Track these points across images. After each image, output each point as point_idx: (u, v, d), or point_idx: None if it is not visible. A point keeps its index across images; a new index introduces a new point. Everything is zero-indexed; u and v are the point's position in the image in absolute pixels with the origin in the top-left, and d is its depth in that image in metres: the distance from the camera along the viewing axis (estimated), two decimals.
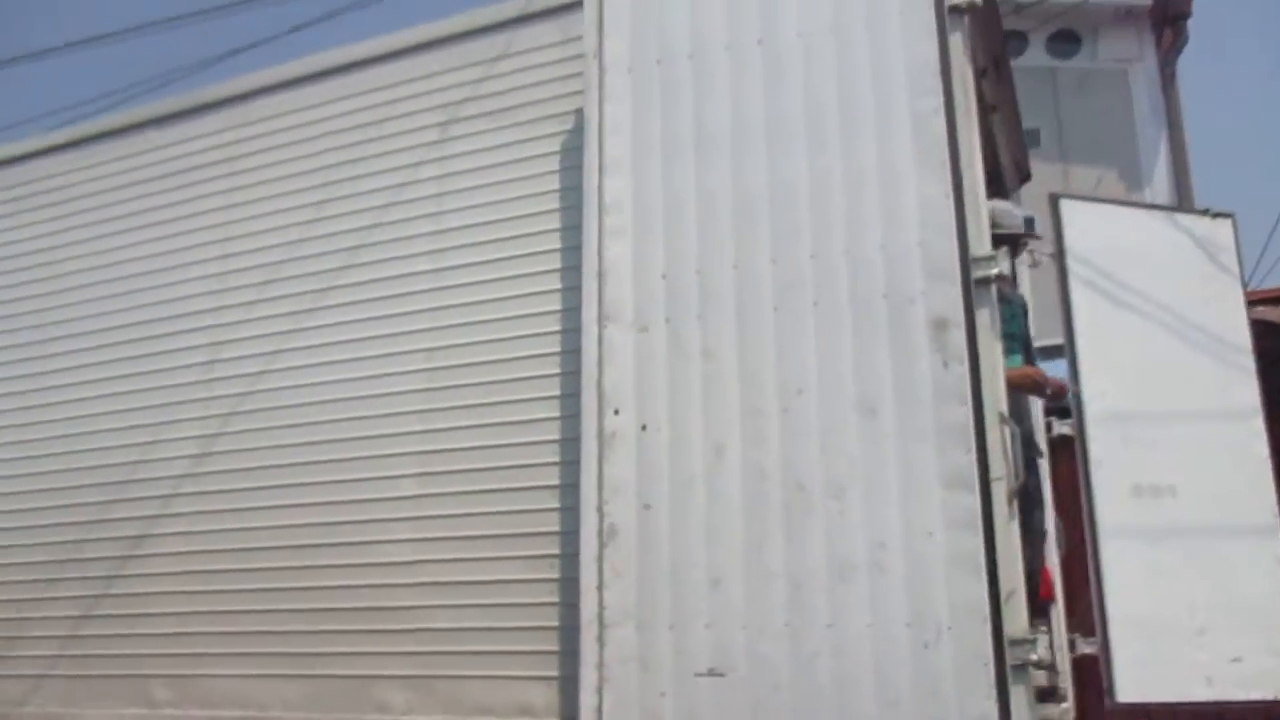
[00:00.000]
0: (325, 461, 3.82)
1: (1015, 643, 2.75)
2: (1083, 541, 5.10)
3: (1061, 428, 5.12)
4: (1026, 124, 9.46)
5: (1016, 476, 2.91)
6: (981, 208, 3.12)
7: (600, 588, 3.11)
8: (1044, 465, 4.45)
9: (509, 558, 3.42)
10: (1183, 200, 8.69)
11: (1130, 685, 4.95)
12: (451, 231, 3.84)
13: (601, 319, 3.31)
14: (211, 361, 4.19)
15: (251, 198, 4.35)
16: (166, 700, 3.88)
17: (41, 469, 4.41)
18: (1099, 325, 5.29)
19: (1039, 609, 4.85)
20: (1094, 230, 5.41)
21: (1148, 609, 5.15)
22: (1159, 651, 5.16)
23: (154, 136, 4.59)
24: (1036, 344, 5.48)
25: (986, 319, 3.01)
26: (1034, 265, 5.27)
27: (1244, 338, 5.46)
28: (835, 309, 3.07)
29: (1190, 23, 8.86)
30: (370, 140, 4.12)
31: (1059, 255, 5.29)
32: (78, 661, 4.09)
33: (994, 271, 3.00)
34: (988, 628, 2.72)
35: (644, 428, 3.19)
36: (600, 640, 3.08)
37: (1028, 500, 3.81)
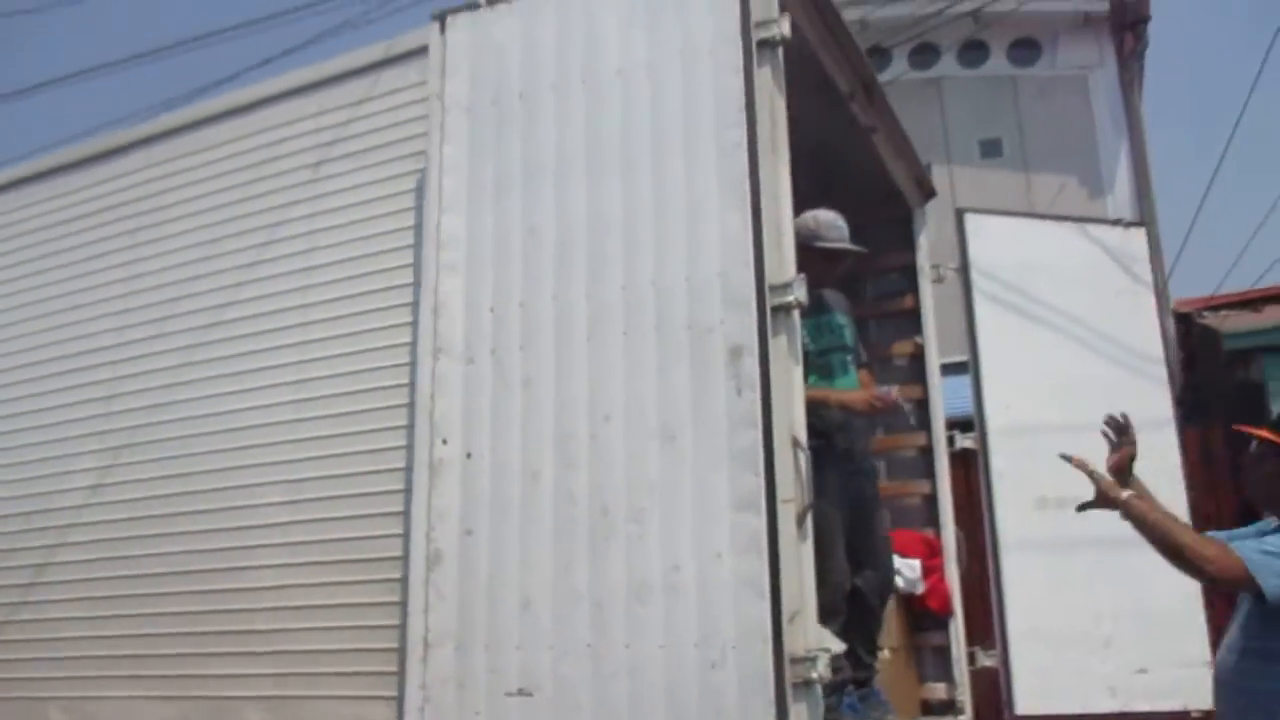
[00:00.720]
0: (202, 491, 3.99)
1: (796, 661, 2.83)
2: (984, 554, 5.16)
3: (964, 440, 5.15)
4: (988, 133, 9.53)
5: (807, 498, 2.98)
6: (785, 236, 3.21)
7: (425, 610, 3.24)
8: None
9: (357, 582, 3.56)
10: (1144, 207, 8.64)
11: (1030, 697, 4.97)
12: (318, 269, 3.99)
13: (435, 352, 3.45)
14: (110, 396, 4.38)
15: (153, 237, 4.54)
16: None
17: None
18: (1004, 339, 5.34)
19: (934, 622, 4.92)
20: (1000, 244, 5.47)
21: (1051, 621, 5.16)
22: (1061, 663, 5.17)
23: (64, 182, 4.82)
24: (944, 360, 5.52)
25: (784, 345, 3.10)
26: (938, 280, 5.31)
27: (1157, 348, 5.48)
28: (642, 338, 3.18)
29: (1150, 27, 8.81)
30: (255, 181, 4.29)
31: (963, 270, 5.35)
32: None
33: (791, 298, 3.08)
34: (769, 647, 2.80)
35: (469, 456, 3.32)
36: (424, 661, 3.21)
37: (863, 512, 3.87)
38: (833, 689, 3.63)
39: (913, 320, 5.35)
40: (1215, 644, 5.75)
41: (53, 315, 4.71)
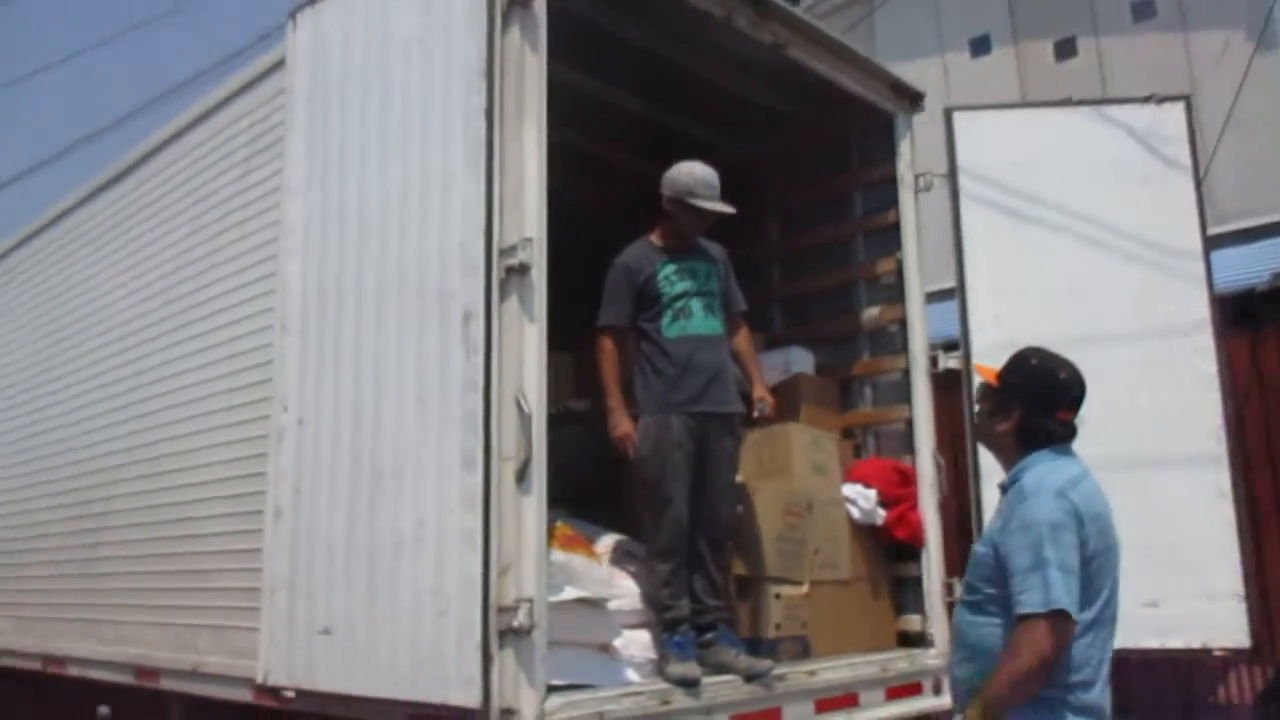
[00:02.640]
0: (116, 467, 4.83)
1: (504, 610, 2.98)
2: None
3: (948, 361, 4.81)
4: None
5: (527, 455, 3.07)
6: (528, 198, 3.25)
7: (271, 558, 3.70)
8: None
9: (244, 531, 4.01)
10: None
11: None
12: (211, 268, 4.47)
13: (281, 329, 3.85)
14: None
15: (106, 257, 5.39)
16: None
17: None
18: (997, 246, 4.93)
19: (911, 553, 4.70)
20: (996, 142, 5.04)
21: None
22: None
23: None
24: (936, 287, 5.13)
25: (516, 307, 3.18)
26: (925, 189, 4.94)
27: (1193, 241, 4.82)
28: (408, 308, 3.39)
29: None
30: (172, 202, 4.85)
31: (950, 174, 4.98)
32: None
33: (516, 260, 3.15)
34: (479, 597, 2.98)
35: (300, 422, 3.71)
36: (270, 602, 3.68)
37: (707, 458, 3.82)
38: (666, 626, 3.70)
39: (898, 235, 5.01)
40: (1259, 577, 5.04)
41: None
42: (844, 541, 4.59)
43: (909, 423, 4.85)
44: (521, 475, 3.09)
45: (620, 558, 4.07)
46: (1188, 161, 4.85)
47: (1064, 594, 2.45)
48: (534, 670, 3.02)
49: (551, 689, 3.14)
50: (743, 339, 4.17)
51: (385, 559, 3.30)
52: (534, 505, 3.11)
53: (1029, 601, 2.47)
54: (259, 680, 3.65)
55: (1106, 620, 2.68)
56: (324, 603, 3.49)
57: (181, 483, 4.40)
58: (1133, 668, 4.79)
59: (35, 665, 5.45)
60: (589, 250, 4.12)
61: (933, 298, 5.17)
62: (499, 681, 2.94)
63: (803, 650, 4.22)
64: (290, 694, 3.54)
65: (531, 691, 3.00)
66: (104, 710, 5.07)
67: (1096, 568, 2.62)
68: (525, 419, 3.10)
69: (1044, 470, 2.67)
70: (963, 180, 4.92)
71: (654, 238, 4.03)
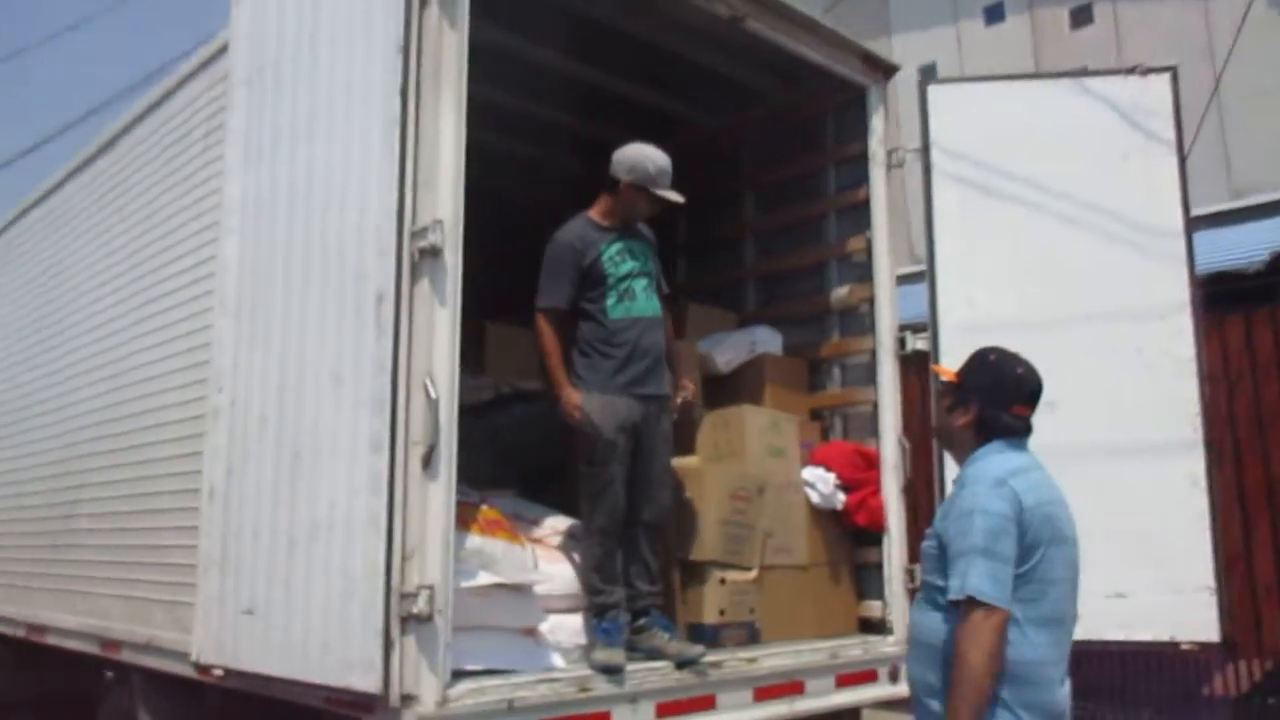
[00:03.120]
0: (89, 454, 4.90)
1: (406, 596, 2.96)
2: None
3: (916, 342, 4.68)
4: None
5: (434, 440, 3.04)
6: (441, 178, 3.20)
7: (204, 538, 3.72)
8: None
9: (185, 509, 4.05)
10: None
11: None
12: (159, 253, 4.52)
13: (220, 310, 3.85)
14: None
15: (79, 239, 5.45)
16: None
17: None
18: (970, 225, 4.77)
19: (872, 539, 4.61)
20: (971, 116, 4.88)
21: None
22: None
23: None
24: (912, 269, 5.00)
25: (427, 289, 3.13)
26: (898, 165, 4.80)
27: (1174, 219, 4.64)
28: (329, 288, 3.36)
29: None
30: (136, 184, 4.87)
31: (923, 150, 4.83)
32: None
33: (428, 243, 3.10)
34: (381, 582, 2.96)
35: (233, 403, 3.71)
36: (204, 581, 3.71)
37: (644, 443, 3.76)
38: (596, 611, 3.67)
39: (869, 213, 4.88)
40: (1230, 570, 4.86)
41: None
42: (800, 526, 4.51)
43: (876, 405, 4.74)
44: (427, 460, 3.06)
45: (564, 540, 4.03)
46: (1171, 135, 4.65)
47: (986, 581, 2.42)
48: (436, 656, 3.00)
49: (460, 674, 3.14)
50: (669, 323, 4.10)
51: (302, 541, 3.29)
52: (441, 490, 3.08)
53: (952, 588, 2.47)
54: (192, 657, 3.69)
55: (1063, 618, 2.62)
56: (248, 583, 3.50)
57: (139, 459, 4.45)
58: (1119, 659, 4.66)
59: (21, 633, 5.58)
60: (560, 222, 4.05)
61: (910, 279, 5.04)
62: (399, 667, 2.93)
63: (750, 637, 4.16)
64: (219, 672, 3.57)
65: (433, 677, 2.99)
66: (110, 675, 5.15)
67: (1044, 560, 2.56)
68: (432, 404, 3.06)
69: (990, 462, 2.66)
70: (936, 156, 4.76)
71: (595, 215, 3.96)
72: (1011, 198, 4.71)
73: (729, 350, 4.92)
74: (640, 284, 3.90)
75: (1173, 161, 4.63)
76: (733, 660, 3.85)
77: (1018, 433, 2.73)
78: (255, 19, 3.90)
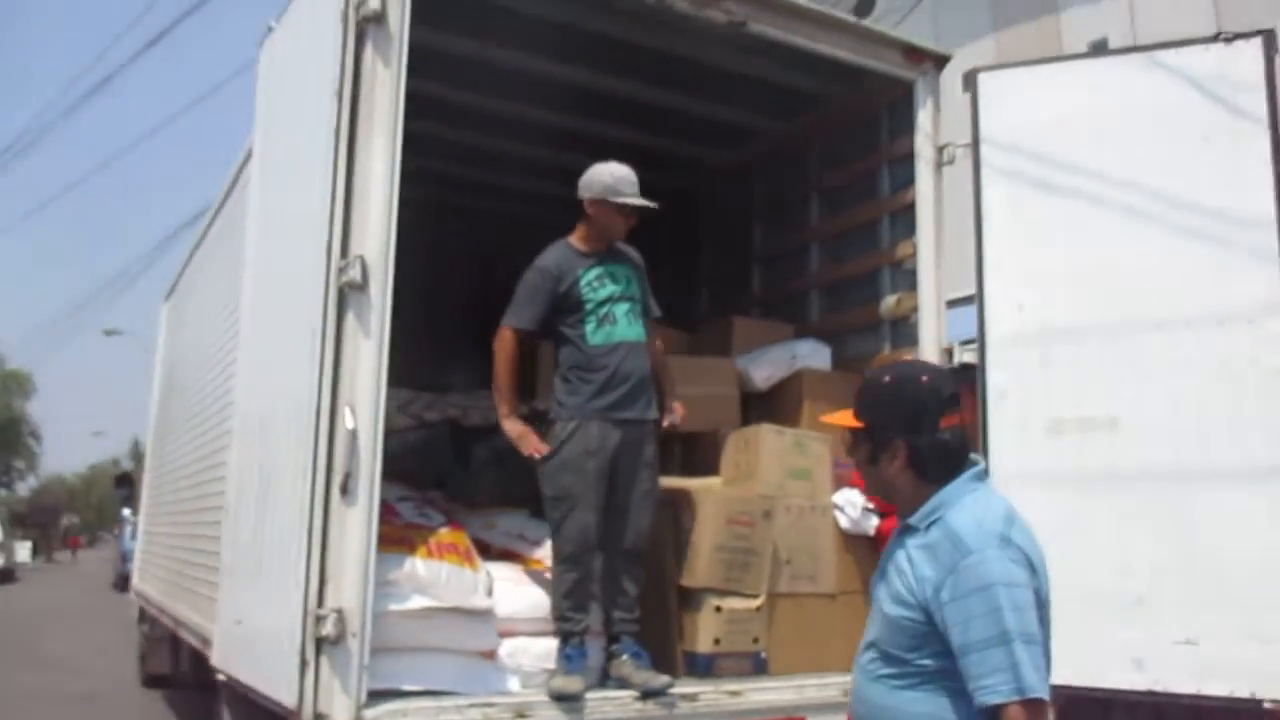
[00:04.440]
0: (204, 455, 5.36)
1: (320, 619, 3.09)
2: None
3: (963, 354, 4.30)
4: None
5: (349, 469, 3.15)
6: (371, 215, 3.29)
7: (221, 549, 4.06)
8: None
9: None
10: None
11: None
12: None
13: (239, 338, 4.18)
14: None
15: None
16: None
17: None
18: (1022, 225, 4.38)
19: None
20: (1027, 104, 4.47)
21: (1058, 572, 4.05)
22: (1070, 624, 4.02)
23: None
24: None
25: (352, 323, 3.25)
26: (948, 163, 4.44)
27: (1265, 208, 4.04)
28: (287, 323, 3.57)
29: None
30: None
31: (973, 144, 4.46)
32: None
33: (347, 278, 3.21)
34: (300, 604, 3.12)
35: (241, 428, 4.02)
36: (220, 594, 4.04)
37: (620, 468, 3.69)
38: (562, 637, 3.63)
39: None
40: None
41: None
42: (827, 552, 4.26)
43: None
44: (345, 488, 3.17)
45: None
46: (1263, 111, 3.98)
47: (1034, 675, 2.02)
48: (349, 677, 3.10)
49: (389, 694, 3.23)
50: (658, 347, 3.99)
51: (265, 560, 3.53)
52: (360, 518, 3.18)
53: (998, 689, 2.02)
54: (211, 660, 4.03)
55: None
56: (239, 596, 3.78)
57: (209, 477, 4.91)
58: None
59: (170, 624, 6.26)
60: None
61: (960, 302, 4.61)
62: (312, 686, 3.07)
63: (755, 668, 3.99)
64: (223, 676, 3.87)
65: (345, 698, 3.09)
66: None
67: (1043, 623, 2.23)
68: (351, 435, 3.17)
69: (973, 509, 2.19)
70: (986, 151, 4.35)
71: (574, 240, 3.93)
72: (1069, 192, 4.22)
73: (767, 366, 4.73)
74: (621, 308, 3.84)
75: (1264, 141, 3.97)
76: (713, 693, 3.70)
77: (960, 450, 2.25)
78: (268, 69, 4.19)
